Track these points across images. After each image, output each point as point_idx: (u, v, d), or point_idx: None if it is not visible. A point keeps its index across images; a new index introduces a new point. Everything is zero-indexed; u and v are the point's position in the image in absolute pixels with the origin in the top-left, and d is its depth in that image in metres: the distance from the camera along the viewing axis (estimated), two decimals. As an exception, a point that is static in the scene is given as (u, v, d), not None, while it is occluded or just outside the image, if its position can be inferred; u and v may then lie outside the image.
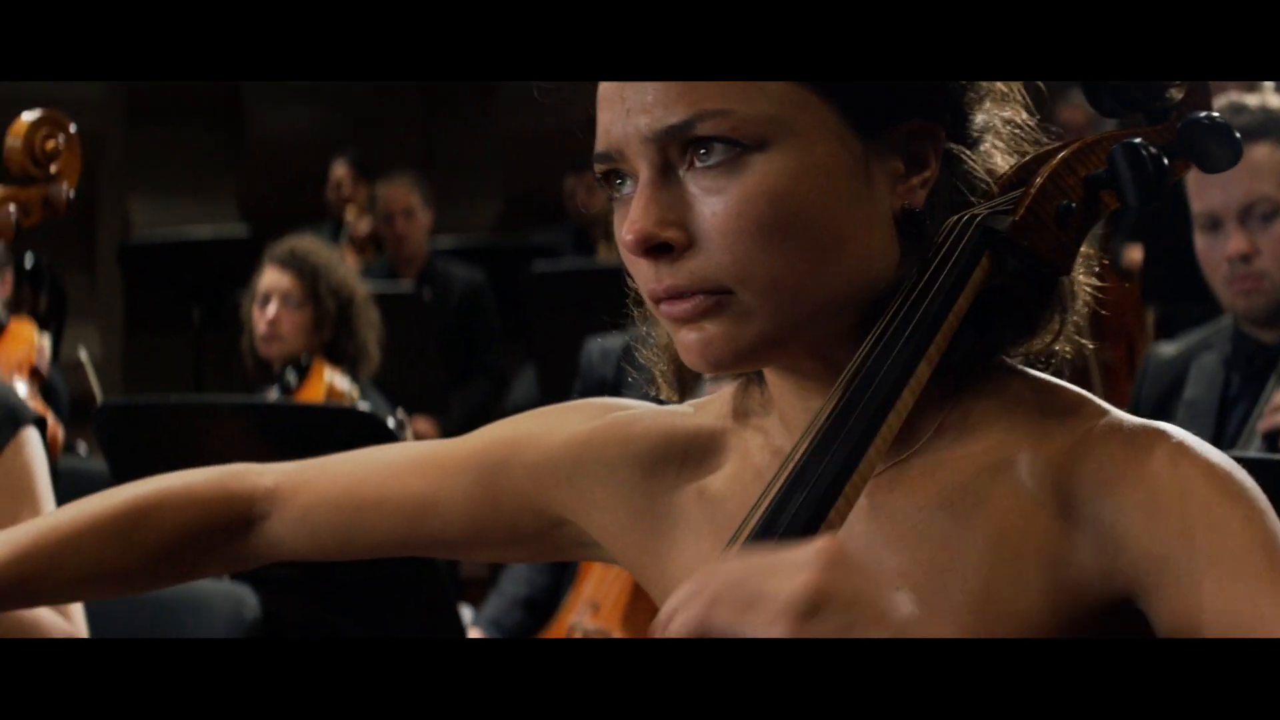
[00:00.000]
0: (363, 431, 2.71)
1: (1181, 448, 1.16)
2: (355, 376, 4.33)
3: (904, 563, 1.20)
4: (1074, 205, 1.19)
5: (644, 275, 1.21)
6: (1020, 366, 1.26)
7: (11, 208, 2.05)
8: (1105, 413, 1.21)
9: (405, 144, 8.97)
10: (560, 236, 7.67)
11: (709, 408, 1.38)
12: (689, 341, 1.20)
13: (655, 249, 1.18)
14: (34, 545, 1.41)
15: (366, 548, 1.46)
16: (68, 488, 2.31)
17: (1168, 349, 2.98)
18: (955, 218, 1.21)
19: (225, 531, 1.45)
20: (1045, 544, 1.17)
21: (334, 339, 4.38)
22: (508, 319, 6.21)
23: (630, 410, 1.40)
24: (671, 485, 1.35)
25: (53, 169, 2.10)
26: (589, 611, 3.41)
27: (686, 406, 1.39)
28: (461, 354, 6.01)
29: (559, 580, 3.66)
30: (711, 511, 1.31)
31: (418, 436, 5.71)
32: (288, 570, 2.88)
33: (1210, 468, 1.15)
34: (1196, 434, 1.17)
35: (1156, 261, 4.48)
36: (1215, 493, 1.13)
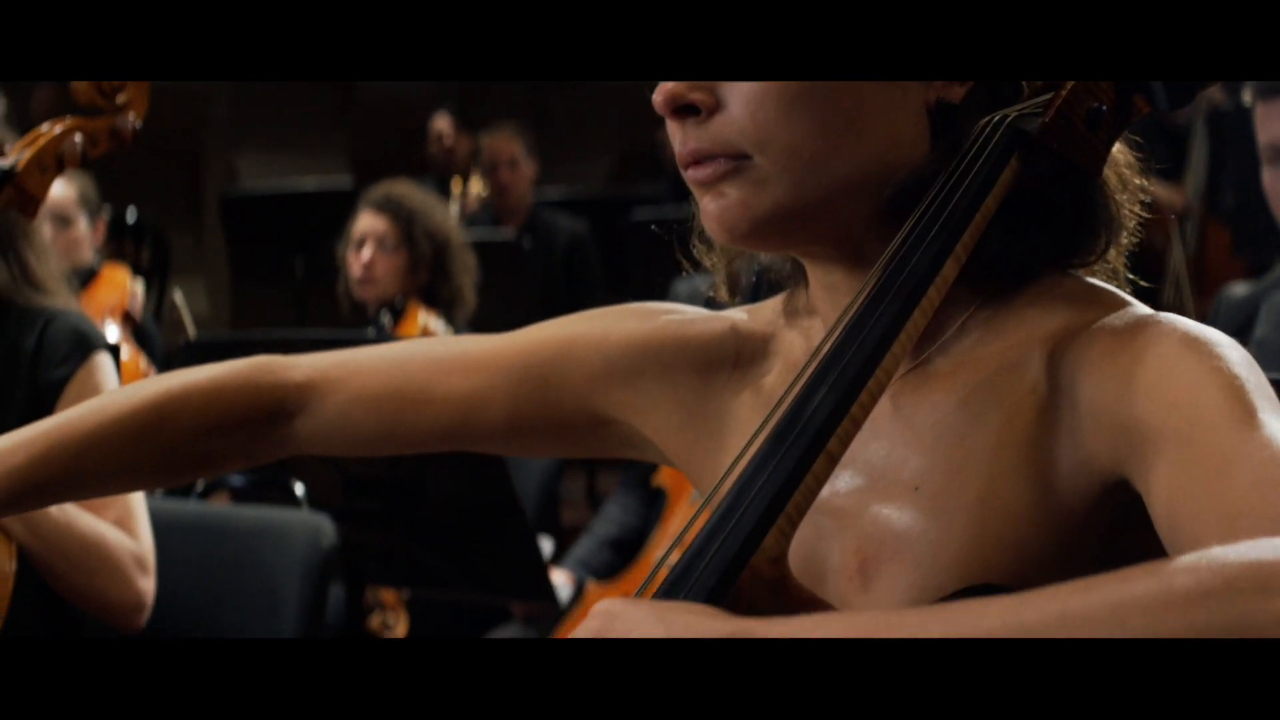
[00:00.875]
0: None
1: (1164, 324, 1.16)
2: (450, 320, 4.37)
3: (923, 464, 1.20)
4: (1105, 108, 1.18)
5: (675, 140, 1.24)
6: (1065, 273, 1.25)
7: (78, 138, 2.08)
8: (1125, 305, 1.21)
9: (516, 101, 9.00)
10: (661, 187, 7.68)
11: (760, 313, 1.40)
12: (709, 209, 1.22)
13: (682, 109, 1.21)
14: (52, 446, 1.41)
15: (406, 444, 1.47)
16: None
17: (1239, 289, 2.95)
18: (987, 119, 1.21)
19: (250, 426, 1.45)
20: (1042, 435, 1.17)
21: (429, 282, 4.43)
22: (609, 269, 6.24)
23: (684, 313, 1.42)
24: (723, 386, 1.37)
25: (119, 100, 2.13)
26: (676, 549, 3.42)
27: (739, 311, 1.41)
28: (562, 302, 6.05)
29: (646, 521, 3.68)
30: (759, 412, 1.31)
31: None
32: (368, 502, 2.93)
33: (1187, 337, 1.14)
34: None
35: (1246, 211, 4.43)
36: (1187, 356, 1.11)
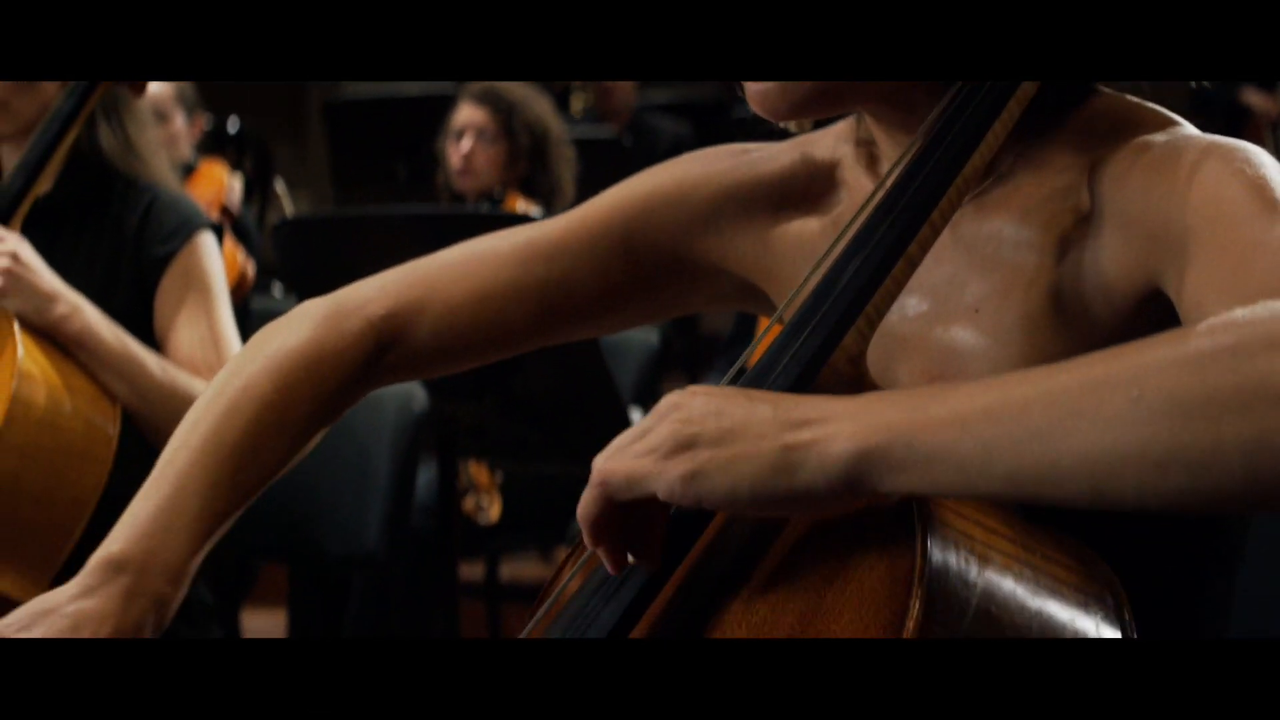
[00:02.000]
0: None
1: (1195, 136, 1.19)
2: (550, 212, 4.41)
3: (982, 287, 1.24)
4: None
5: None
6: (1118, 93, 1.27)
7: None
8: (1167, 123, 1.24)
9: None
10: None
11: (824, 141, 1.42)
12: (752, 91, 1.26)
13: None
14: (212, 480, 1.36)
15: (505, 345, 1.46)
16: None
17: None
18: None
19: (358, 373, 1.43)
20: (1085, 252, 1.20)
21: (528, 174, 4.47)
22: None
23: (751, 152, 1.45)
24: (798, 217, 1.41)
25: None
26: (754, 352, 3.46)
27: (804, 142, 1.43)
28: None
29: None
30: (831, 237, 1.34)
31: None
32: (459, 375, 2.97)
33: (1215, 144, 1.17)
34: None
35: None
36: (1214, 160, 1.14)
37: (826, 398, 1.00)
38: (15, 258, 2.29)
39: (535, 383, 2.94)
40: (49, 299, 2.30)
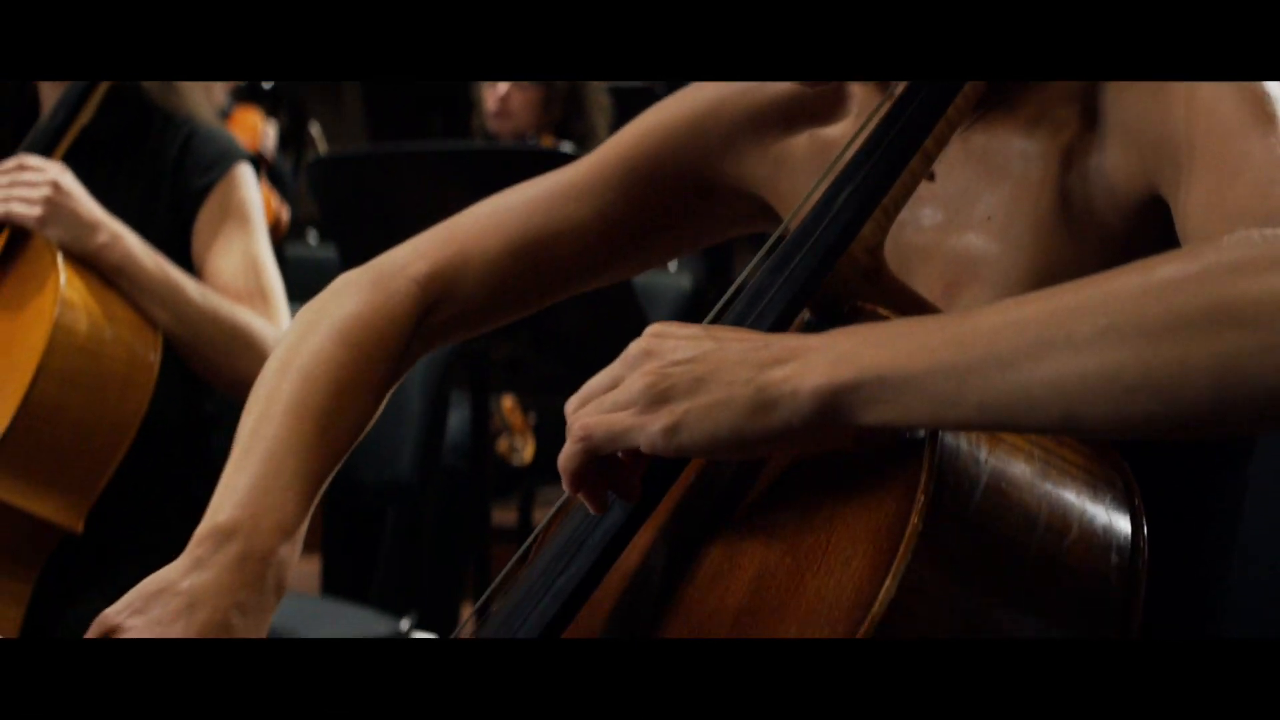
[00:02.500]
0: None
1: None
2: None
3: (993, 196, 1.27)
4: None
5: None
6: None
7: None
8: None
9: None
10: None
11: None
12: None
13: None
14: (302, 452, 1.35)
15: (551, 289, 1.48)
16: (298, 277, 2.50)
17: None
18: None
19: (413, 336, 1.44)
20: (1088, 160, 1.23)
21: (563, 119, 4.51)
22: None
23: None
24: (808, 133, 1.43)
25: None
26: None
27: None
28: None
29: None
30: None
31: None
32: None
33: None
34: None
35: None
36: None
37: (798, 335, 1.03)
38: (56, 186, 2.34)
39: (568, 321, 2.98)
40: (90, 227, 2.35)
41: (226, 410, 2.51)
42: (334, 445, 1.38)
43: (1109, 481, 1.03)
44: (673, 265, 4.94)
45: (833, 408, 0.97)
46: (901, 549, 0.92)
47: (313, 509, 1.35)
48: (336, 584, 3.85)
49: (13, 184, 2.36)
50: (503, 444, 3.73)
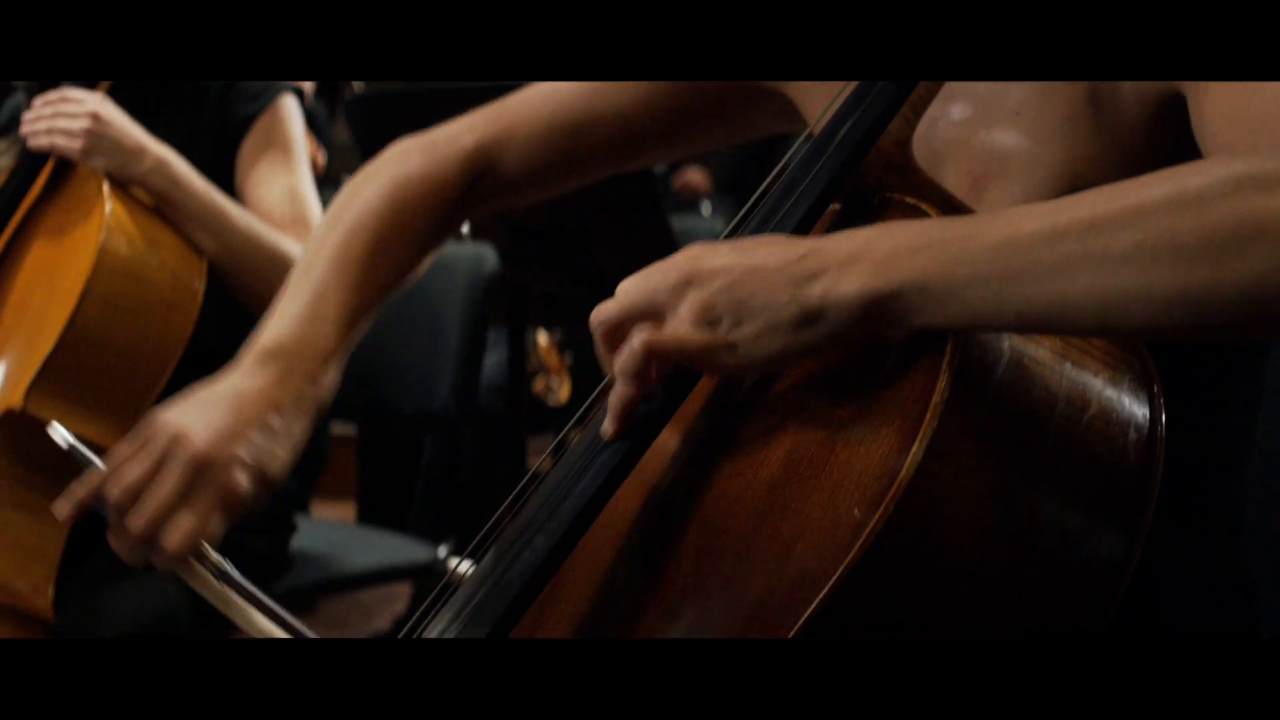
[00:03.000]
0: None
1: None
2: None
3: (1021, 92, 1.31)
4: None
5: None
6: None
7: None
8: None
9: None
10: None
11: None
12: None
13: None
14: (348, 287, 1.53)
15: (586, 169, 1.60)
16: None
17: None
18: None
19: (459, 202, 1.60)
20: None
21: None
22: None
23: None
24: None
25: None
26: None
27: None
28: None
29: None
30: None
31: (688, 185, 5.86)
32: (531, 246, 3.08)
33: None
34: None
35: None
36: None
37: (830, 238, 1.06)
38: (95, 117, 2.39)
39: (603, 256, 3.04)
40: (135, 153, 2.40)
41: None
42: (374, 288, 1.55)
43: (1128, 365, 1.07)
44: (707, 209, 5.01)
45: (875, 316, 1.02)
46: (928, 417, 0.97)
47: (350, 342, 1.54)
48: (372, 516, 3.92)
49: (55, 115, 2.41)
50: (539, 384, 3.79)
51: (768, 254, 1.07)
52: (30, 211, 2.47)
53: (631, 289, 1.12)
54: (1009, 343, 1.03)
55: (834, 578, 0.95)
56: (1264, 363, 1.32)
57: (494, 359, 3.54)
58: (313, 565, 2.68)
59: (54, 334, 2.30)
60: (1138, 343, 1.10)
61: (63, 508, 1.41)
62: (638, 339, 1.09)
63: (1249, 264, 0.94)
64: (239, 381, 1.47)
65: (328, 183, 5.21)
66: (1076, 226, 0.98)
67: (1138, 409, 1.05)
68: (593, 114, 1.55)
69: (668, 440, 1.19)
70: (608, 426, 1.13)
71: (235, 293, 2.47)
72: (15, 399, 2.28)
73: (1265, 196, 0.95)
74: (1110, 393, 1.05)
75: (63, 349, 2.29)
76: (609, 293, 1.15)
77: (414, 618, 1.25)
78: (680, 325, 1.08)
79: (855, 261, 1.03)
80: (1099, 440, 1.03)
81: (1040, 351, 1.04)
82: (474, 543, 1.27)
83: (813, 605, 0.96)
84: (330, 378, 1.51)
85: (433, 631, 1.16)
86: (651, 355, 1.09)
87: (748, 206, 1.26)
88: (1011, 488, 0.99)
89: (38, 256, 2.44)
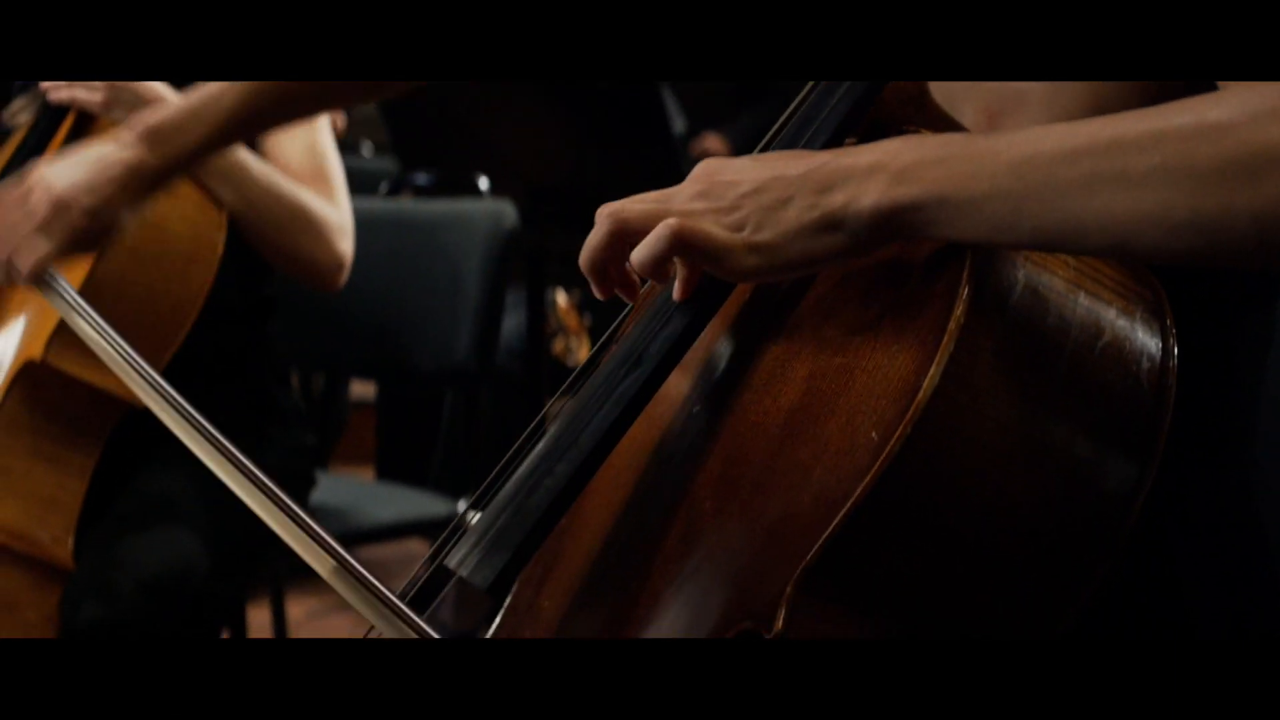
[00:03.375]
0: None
1: None
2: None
3: None
4: None
5: None
6: None
7: None
8: None
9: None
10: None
11: None
12: None
13: None
14: (242, 103, 1.75)
15: None
16: (351, 187, 2.58)
17: None
18: None
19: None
20: None
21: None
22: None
23: None
24: None
25: None
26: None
27: None
28: (756, 72, 6.10)
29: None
30: None
31: (706, 153, 5.87)
32: (549, 206, 3.11)
33: None
34: None
35: None
36: None
37: (850, 150, 1.08)
38: None
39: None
40: (154, 106, 2.42)
41: (285, 294, 2.59)
42: (265, 104, 1.75)
43: (1141, 297, 1.09)
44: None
45: (894, 226, 1.04)
46: (945, 341, 0.99)
47: (223, 146, 1.83)
48: (391, 476, 3.95)
49: None
50: (558, 344, 3.82)
51: (788, 164, 1.09)
52: (52, 163, 2.49)
53: (649, 195, 1.14)
54: (1024, 271, 1.04)
55: (851, 500, 0.98)
56: (1276, 299, 1.33)
57: (512, 322, 3.56)
58: (331, 519, 2.71)
59: (73, 284, 2.31)
60: (1150, 276, 1.11)
61: None
62: (664, 224, 1.09)
63: (1263, 192, 0.96)
64: (112, 148, 1.78)
65: (346, 148, 5.24)
66: (1096, 147, 1.00)
67: (1150, 339, 1.07)
68: None
69: (686, 373, 1.21)
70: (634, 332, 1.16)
71: (255, 246, 2.48)
72: (35, 351, 2.30)
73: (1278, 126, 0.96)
74: (1123, 322, 1.06)
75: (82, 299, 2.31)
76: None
77: (433, 549, 1.27)
78: (705, 223, 1.09)
79: (877, 171, 1.05)
80: (1112, 368, 1.04)
81: (1055, 281, 1.05)
82: (483, 486, 1.29)
83: (830, 528, 0.98)
84: (183, 167, 1.81)
85: (452, 560, 1.17)
86: (678, 240, 1.09)
87: (766, 138, 1.28)
88: (1026, 412, 1.01)
89: (58, 209, 2.46)
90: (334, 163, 2.57)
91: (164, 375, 2.31)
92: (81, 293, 2.26)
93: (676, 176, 2.96)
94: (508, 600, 1.36)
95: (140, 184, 1.81)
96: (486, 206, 2.83)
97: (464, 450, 3.64)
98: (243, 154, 2.45)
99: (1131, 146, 0.99)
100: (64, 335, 2.29)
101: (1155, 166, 0.98)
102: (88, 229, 1.78)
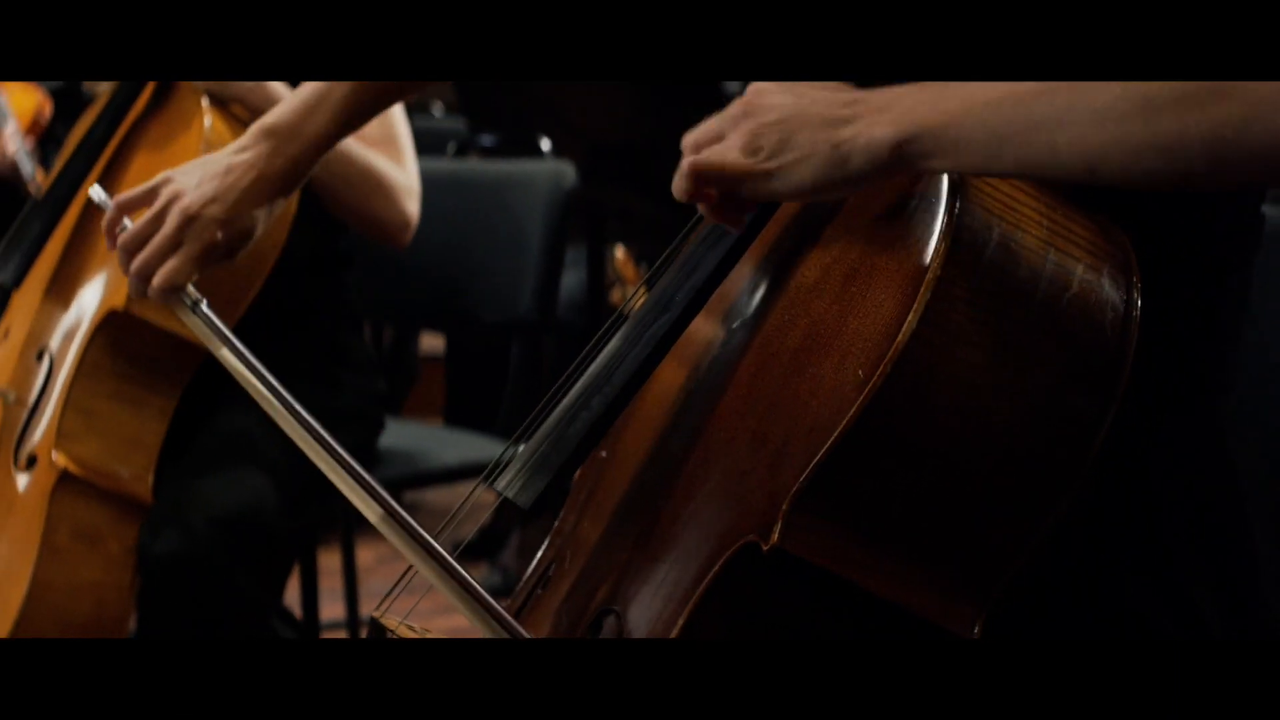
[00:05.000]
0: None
1: None
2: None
3: None
4: None
5: None
6: None
7: None
8: None
9: None
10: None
11: None
12: None
13: None
14: (352, 91, 1.82)
15: None
16: (421, 147, 2.75)
17: None
18: None
19: None
20: None
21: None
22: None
23: None
24: None
25: None
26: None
27: None
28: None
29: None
30: None
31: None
32: (608, 164, 3.27)
33: None
34: None
35: None
36: None
37: (873, 93, 1.25)
38: None
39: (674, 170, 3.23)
40: (247, 95, 2.60)
41: (357, 249, 2.78)
42: (371, 95, 1.83)
43: (1110, 255, 1.25)
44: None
45: (897, 157, 1.21)
46: (922, 290, 1.16)
47: (342, 134, 1.85)
48: (459, 423, 4.13)
49: None
50: (616, 294, 4.00)
51: (817, 98, 1.27)
52: (133, 127, 2.67)
53: (708, 120, 1.32)
54: (998, 230, 1.21)
55: (839, 429, 1.15)
56: (1251, 262, 1.48)
57: (573, 277, 3.73)
58: (400, 460, 2.90)
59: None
60: (1123, 238, 1.27)
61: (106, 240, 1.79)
62: (685, 161, 1.29)
63: (1210, 116, 1.12)
64: (233, 154, 1.80)
65: (419, 108, 5.42)
66: (1066, 86, 1.17)
67: (1116, 293, 1.23)
68: None
69: (710, 319, 1.38)
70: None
71: (328, 204, 2.65)
72: (118, 300, 2.48)
73: (1200, 108, 1.13)
74: (1090, 277, 1.23)
75: (162, 253, 2.49)
76: (678, 206, 1.35)
77: (482, 476, 1.45)
78: (727, 150, 1.28)
79: (885, 110, 1.23)
80: (1078, 316, 1.21)
81: (1027, 238, 1.22)
82: (527, 421, 1.45)
83: (820, 453, 1.15)
84: (312, 163, 1.84)
85: (500, 484, 1.35)
86: (697, 175, 1.28)
87: None
88: (997, 352, 1.18)
89: (141, 166, 2.62)
90: (403, 129, 2.75)
91: (241, 323, 2.52)
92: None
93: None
94: (555, 524, 1.54)
95: (266, 187, 1.82)
96: (548, 167, 3.00)
97: (529, 399, 3.83)
98: None
99: (1096, 84, 1.16)
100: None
101: (1116, 97, 1.15)
102: (222, 239, 1.78)
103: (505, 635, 1.25)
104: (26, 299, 2.69)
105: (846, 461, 1.16)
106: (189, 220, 1.74)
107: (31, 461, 2.52)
